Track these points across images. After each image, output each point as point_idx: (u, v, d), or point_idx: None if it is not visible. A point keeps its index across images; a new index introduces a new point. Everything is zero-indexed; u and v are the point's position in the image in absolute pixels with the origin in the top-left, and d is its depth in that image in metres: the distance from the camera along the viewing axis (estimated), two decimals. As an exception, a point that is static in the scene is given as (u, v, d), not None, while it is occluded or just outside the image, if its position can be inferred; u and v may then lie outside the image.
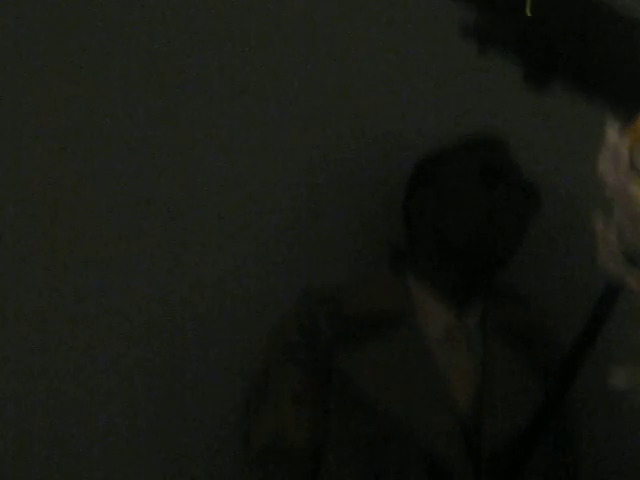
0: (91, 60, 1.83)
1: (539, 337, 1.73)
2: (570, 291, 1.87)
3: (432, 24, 1.91)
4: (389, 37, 1.95)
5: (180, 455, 1.80)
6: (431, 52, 1.94)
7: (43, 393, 1.76)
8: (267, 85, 1.90)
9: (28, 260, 1.78)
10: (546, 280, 1.88)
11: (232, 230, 1.86)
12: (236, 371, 1.78)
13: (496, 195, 1.68)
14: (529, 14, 1.14)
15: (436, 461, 1.56)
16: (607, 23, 1.20)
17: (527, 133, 1.87)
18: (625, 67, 1.27)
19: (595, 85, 1.33)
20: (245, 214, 1.87)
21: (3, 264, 1.78)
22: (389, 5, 1.94)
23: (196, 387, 1.81)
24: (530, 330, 1.73)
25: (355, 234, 1.89)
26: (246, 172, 1.88)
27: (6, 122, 1.80)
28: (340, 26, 1.94)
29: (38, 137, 1.80)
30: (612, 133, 1.13)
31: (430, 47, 1.94)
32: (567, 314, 1.68)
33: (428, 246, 1.73)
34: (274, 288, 1.85)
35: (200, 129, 1.87)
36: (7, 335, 1.76)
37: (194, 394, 1.81)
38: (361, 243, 1.89)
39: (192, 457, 1.80)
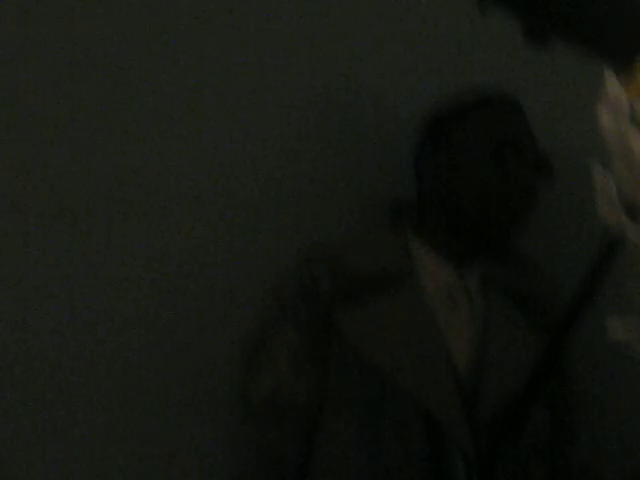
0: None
1: (541, 299, 1.72)
2: (570, 245, 1.87)
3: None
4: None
5: (176, 418, 1.81)
6: (430, 9, 1.93)
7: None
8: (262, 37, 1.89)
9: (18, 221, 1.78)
10: (546, 235, 1.88)
11: (226, 187, 1.85)
12: (234, 332, 1.77)
13: (509, 171, 1.66)
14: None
15: (434, 421, 1.56)
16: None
17: (526, 88, 1.85)
18: (621, 20, 1.27)
19: (593, 38, 1.33)
20: (243, 167, 1.86)
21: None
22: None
23: (192, 348, 1.82)
24: (532, 292, 1.72)
25: (354, 190, 1.88)
26: (240, 128, 1.86)
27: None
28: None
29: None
30: (612, 86, 1.12)
31: (429, 4, 1.93)
32: (567, 270, 1.68)
33: (435, 207, 1.72)
34: (271, 246, 1.84)
35: (187, 77, 1.86)
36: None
37: (190, 353, 1.81)
38: (360, 200, 1.88)
39: (188, 418, 1.81)
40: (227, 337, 1.79)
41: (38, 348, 1.76)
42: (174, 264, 1.82)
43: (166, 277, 1.82)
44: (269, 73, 1.88)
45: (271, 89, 1.88)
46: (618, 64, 1.19)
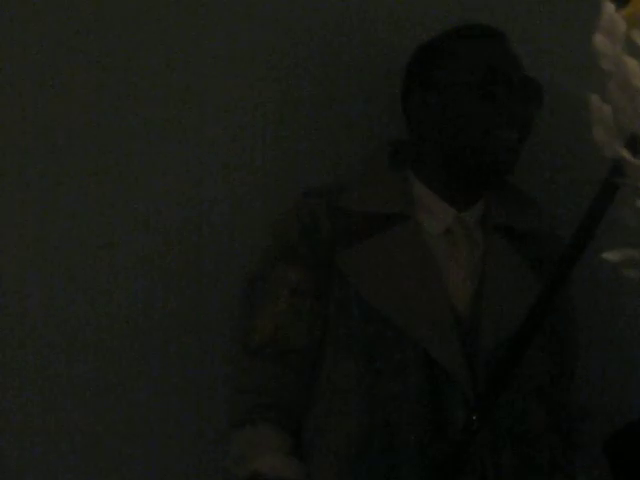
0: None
1: (540, 237, 1.70)
2: (569, 178, 1.85)
3: None
4: None
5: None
6: None
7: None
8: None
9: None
10: (544, 170, 1.86)
11: (228, 128, 1.85)
12: (234, 271, 1.79)
13: (498, 103, 1.63)
14: None
15: (433, 361, 1.56)
16: None
17: (520, 12, 1.83)
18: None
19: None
20: (244, 109, 1.86)
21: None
22: None
23: (192, 289, 1.84)
24: (531, 230, 1.71)
25: (355, 127, 1.87)
26: (239, 71, 1.86)
27: None
28: None
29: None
30: (608, 8, 1.09)
31: None
32: (566, 205, 1.67)
33: (429, 146, 1.69)
34: (271, 186, 1.84)
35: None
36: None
37: (190, 293, 1.84)
38: (361, 137, 1.87)
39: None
40: (227, 277, 1.80)
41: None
42: (174, 203, 1.84)
43: (166, 216, 1.83)
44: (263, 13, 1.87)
45: (265, 30, 1.87)
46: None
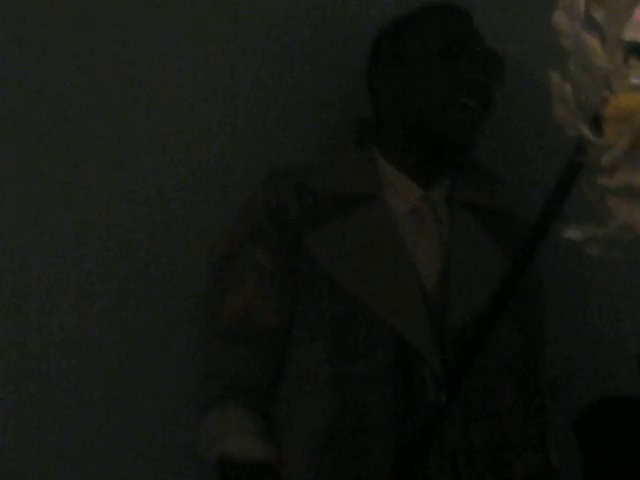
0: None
1: (508, 216, 1.71)
2: (534, 156, 1.86)
3: None
4: None
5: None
6: None
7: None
8: None
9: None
10: (510, 148, 1.87)
11: (194, 111, 1.85)
12: (201, 252, 1.78)
13: (459, 73, 1.64)
14: None
15: (403, 340, 1.56)
16: None
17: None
18: None
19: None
20: (210, 86, 1.86)
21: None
22: None
23: (158, 270, 1.83)
24: (498, 207, 1.71)
25: (321, 107, 1.87)
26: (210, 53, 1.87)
27: None
28: None
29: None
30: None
31: None
32: (533, 183, 1.67)
33: (393, 123, 1.70)
34: (237, 168, 1.84)
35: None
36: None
37: (156, 275, 1.83)
38: (327, 117, 1.87)
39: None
40: (194, 258, 1.79)
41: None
42: (142, 184, 1.83)
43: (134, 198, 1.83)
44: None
45: (232, 13, 1.87)
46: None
